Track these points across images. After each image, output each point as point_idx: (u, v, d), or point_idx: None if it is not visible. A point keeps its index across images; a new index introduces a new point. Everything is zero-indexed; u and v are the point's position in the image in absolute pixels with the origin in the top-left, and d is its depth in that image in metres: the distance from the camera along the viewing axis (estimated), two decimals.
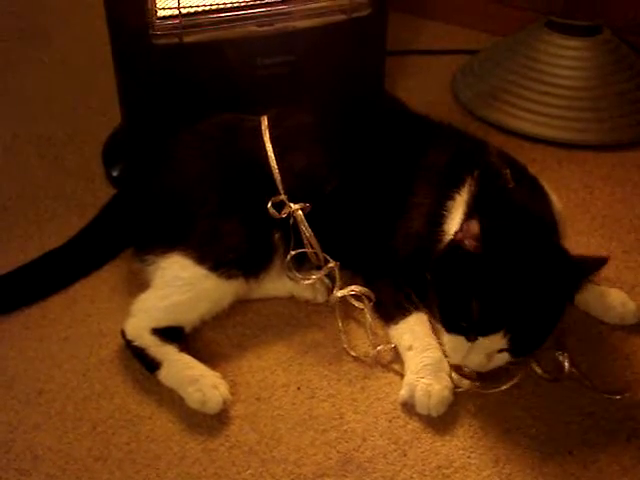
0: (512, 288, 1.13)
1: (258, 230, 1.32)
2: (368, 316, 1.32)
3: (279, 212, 1.33)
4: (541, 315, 1.16)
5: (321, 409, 1.21)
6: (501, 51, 2.05)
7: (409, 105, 1.92)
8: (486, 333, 1.14)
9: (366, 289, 1.34)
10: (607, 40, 1.93)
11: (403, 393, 1.21)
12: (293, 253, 1.35)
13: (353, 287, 1.34)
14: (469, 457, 1.14)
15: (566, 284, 1.19)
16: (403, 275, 1.33)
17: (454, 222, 1.26)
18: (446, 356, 1.22)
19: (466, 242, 1.16)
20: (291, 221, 1.34)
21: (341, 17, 1.69)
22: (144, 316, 1.27)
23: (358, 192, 1.37)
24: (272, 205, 1.33)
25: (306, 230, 1.33)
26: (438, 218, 1.29)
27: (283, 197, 1.34)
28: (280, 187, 1.35)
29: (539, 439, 1.17)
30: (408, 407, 1.21)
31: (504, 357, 1.18)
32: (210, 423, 1.18)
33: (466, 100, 2.01)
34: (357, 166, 1.39)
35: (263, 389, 1.24)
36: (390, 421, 1.19)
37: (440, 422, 1.19)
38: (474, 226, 1.14)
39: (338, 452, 1.15)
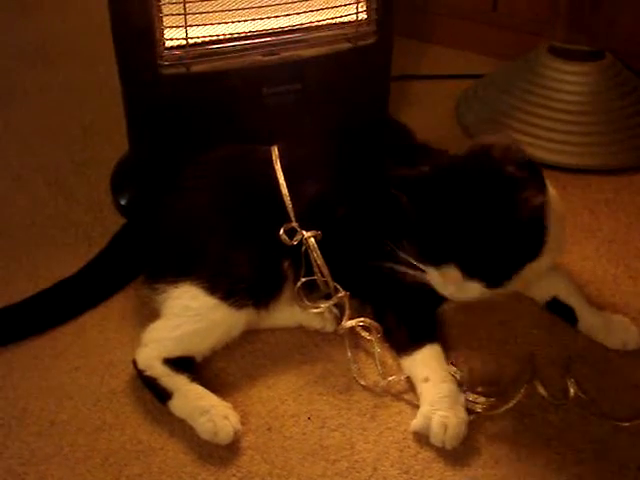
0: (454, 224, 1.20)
1: (269, 259, 1.33)
2: (377, 347, 1.33)
3: (291, 240, 1.34)
4: (487, 240, 1.20)
5: (332, 439, 1.21)
6: (504, 76, 2.07)
7: (413, 130, 1.94)
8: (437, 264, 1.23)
9: (375, 322, 1.35)
10: (609, 65, 1.94)
11: (417, 423, 1.21)
12: (304, 280, 1.35)
13: (362, 319, 1.35)
14: None
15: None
16: (411, 304, 1.34)
17: None
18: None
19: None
20: (303, 249, 1.35)
21: (347, 45, 1.71)
22: (155, 346, 1.28)
23: (366, 220, 1.38)
24: (284, 232, 1.34)
25: (318, 258, 1.34)
26: None
27: (294, 224, 1.35)
28: (292, 214, 1.36)
29: (550, 468, 1.17)
30: (419, 436, 1.21)
31: (475, 287, 1.23)
32: (221, 454, 1.19)
33: (469, 125, 2.02)
34: (365, 194, 1.40)
35: (274, 419, 1.24)
36: (401, 450, 1.19)
37: (451, 452, 1.19)
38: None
39: None
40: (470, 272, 1.22)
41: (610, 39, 1.98)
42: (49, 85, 2.22)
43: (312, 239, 1.34)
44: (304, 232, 1.34)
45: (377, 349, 1.33)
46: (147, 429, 1.23)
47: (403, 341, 1.31)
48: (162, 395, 1.25)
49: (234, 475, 1.16)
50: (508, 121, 1.95)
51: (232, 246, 1.33)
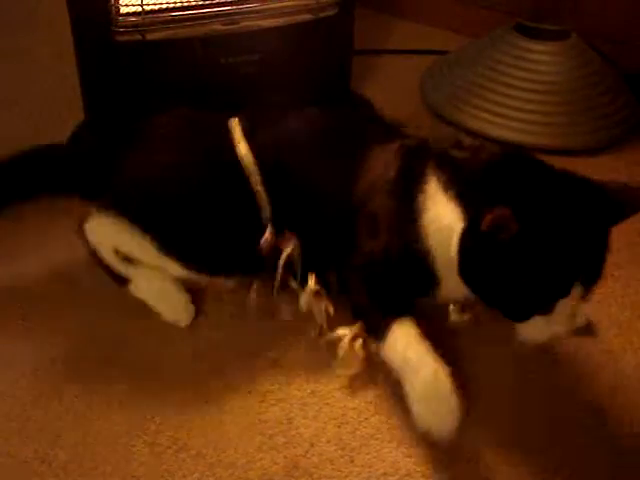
0: (568, 254, 1.11)
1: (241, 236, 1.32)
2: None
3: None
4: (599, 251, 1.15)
5: (270, 413, 1.21)
6: (469, 53, 2.05)
7: (376, 105, 1.92)
8: (564, 296, 1.12)
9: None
10: (574, 45, 1.93)
11: None
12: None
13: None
14: (415, 464, 1.14)
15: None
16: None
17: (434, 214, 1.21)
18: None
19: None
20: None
21: (308, 17, 1.69)
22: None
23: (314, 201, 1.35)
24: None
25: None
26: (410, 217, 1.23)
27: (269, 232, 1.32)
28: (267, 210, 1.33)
29: (485, 444, 1.17)
30: (358, 413, 1.21)
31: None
32: (157, 426, 1.18)
33: (434, 102, 2.01)
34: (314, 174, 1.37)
35: (213, 391, 1.24)
36: (339, 427, 1.19)
37: (389, 429, 1.19)
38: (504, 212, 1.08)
39: (285, 457, 1.14)
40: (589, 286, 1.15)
41: (576, 19, 1.97)
42: (7, 51, 2.18)
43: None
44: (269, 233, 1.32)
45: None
46: (84, 399, 1.21)
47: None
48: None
49: (170, 447, 1.15)
50: (471, 98, 1.94)
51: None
